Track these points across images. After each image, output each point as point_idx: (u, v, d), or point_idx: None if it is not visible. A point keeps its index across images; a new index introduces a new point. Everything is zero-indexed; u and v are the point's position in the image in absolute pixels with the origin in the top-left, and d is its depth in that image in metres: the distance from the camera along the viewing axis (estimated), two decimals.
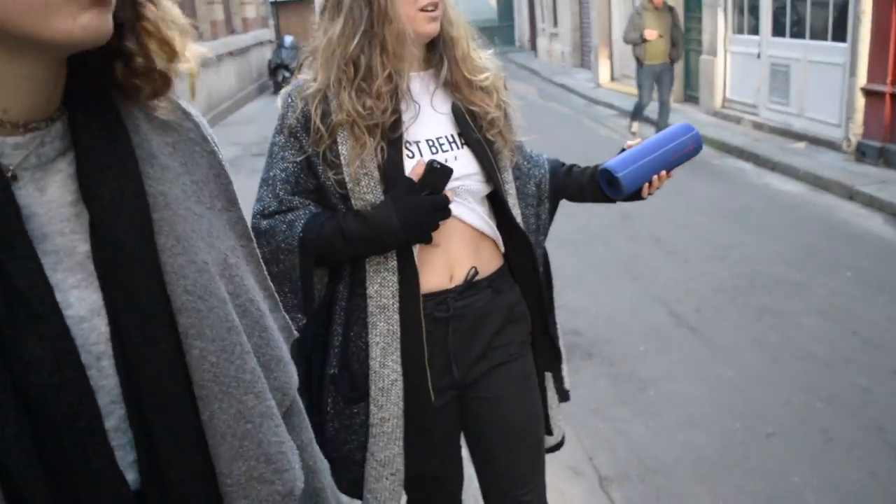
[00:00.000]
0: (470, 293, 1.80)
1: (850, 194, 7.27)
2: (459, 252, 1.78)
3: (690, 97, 12.93)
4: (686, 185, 8.01)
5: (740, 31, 11.23)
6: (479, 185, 1.79)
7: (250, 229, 1.06)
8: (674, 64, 9.88)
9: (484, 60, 1.84)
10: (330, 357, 1.78)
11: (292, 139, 1.73)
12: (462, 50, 1.78)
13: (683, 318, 4.74)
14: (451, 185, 1.71)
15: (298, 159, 1.72)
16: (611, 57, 16.70)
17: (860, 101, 8.27)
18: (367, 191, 1.68)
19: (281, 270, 1.73)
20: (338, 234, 1.68)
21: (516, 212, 1.86)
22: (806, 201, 7.35)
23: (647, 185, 1.87)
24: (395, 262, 1.71)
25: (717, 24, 11.51)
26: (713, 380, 4.03)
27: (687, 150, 1.90)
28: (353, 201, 1.70)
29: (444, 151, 1.75)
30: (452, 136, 1.78)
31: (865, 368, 4.05)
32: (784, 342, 4.39)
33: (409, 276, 1.71)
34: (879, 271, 5.41)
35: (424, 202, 1.64)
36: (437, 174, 1.65)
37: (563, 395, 2.09)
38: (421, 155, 1.71)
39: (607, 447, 3.50)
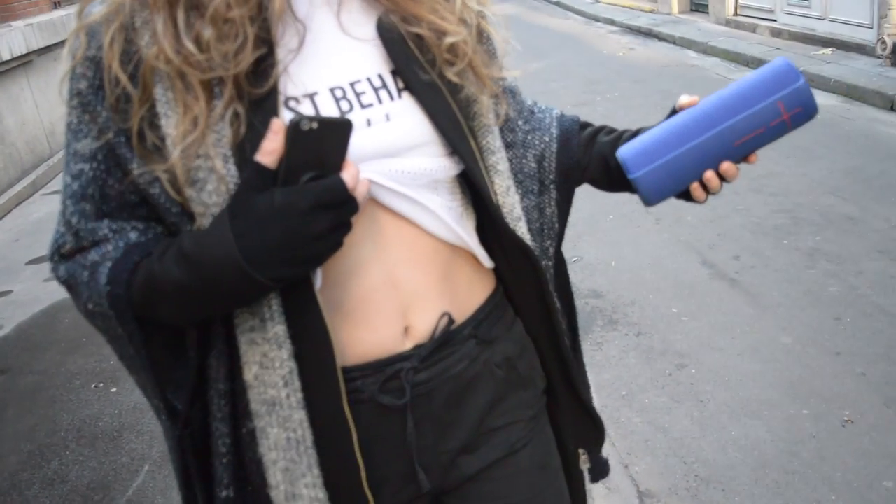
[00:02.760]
0: (440, 355, 1.04)
1: (892, 104, 6.45)
2: (417, 283, 1.02)
3: (698, 6, 11.92)
4: None
5: None
6: (436, 164, 1.01)
7: None
8: None
9: None
10: (216, 470, 1.02)
11: (85, 115, 0.94)
12: None
13: (720, 268, 4.00)
14: (381, 165, 0.95)
15: (97, 151, 0.94)
16: None
17: None
18: (214, 199, 0.90)
19: (112, 338, 0.99)
20: (152, 285, 0.92)
21: (509, 202, 1.09)
22: (841, 115, 6.52)
23: (697, 184, 1.09)
24: (282, 325, 0.93)
25: None
26: (766, 349, 3.31)
27: (775, 121, 1.05)
28: (198, 220, 0.92)
29: (364, 107, 0.96)
30: (380, 77, 0.99)
31: None
32: (846, 294, 3.66)
33: (313, 343, 0.95)
34: None
35: (295, 199, 0.85)
36: (313, 139, 0.85)
37: (599, 470, 1.32)
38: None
39: (645, 449, 2.80)
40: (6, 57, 6.48)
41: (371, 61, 0.99)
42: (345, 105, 0.95)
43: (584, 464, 1.24)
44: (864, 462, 2.61)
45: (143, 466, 2.92)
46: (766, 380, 3.10)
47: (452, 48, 1.01)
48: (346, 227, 0.89)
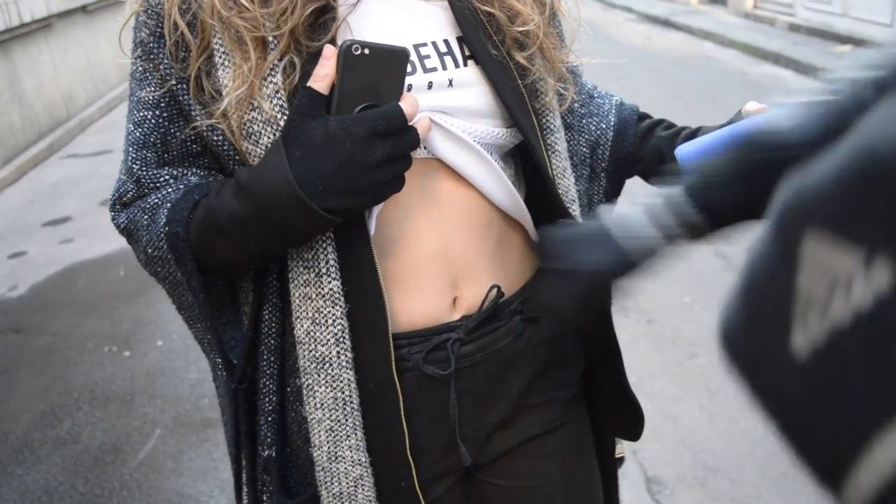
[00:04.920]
0: (486, 329, 1.04)
1: None
2: (470, 255, 1.01)
3: None
4: (718, 96, 7.21)
5: None
6: (494, 132, 0.99)
7: None
8: None
9: None
10: (261, 429, 1.03)
11: (148, 63, 0.94)
12: None
13: (733, 259, 4.01)
14: (439, 117, 0.94)
15: (160, 99, 0.95)
16: None
17: None
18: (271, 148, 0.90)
19: (171, 287, 1.01)
20: (210, 221, 0.91)
21: (565, 183, 1.08)
22: None
23: None
24: (337, 282, 0.92)
25: None
26: None
27: None
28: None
29: (427, 70, 0.94)
30: (446, 42, 0.97)
31: None
32: None
33: (367, 303, 0.94)
34: None
35: (350, 126, 0.84)
36: (366, 66, 0.84)
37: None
38: None
39: (655, 436, 2.82)
40: (27, 19, 6.48)
41: (438, 25, 0.98)
42: (408, 67, 0.93)
43: (620, 453, 1.25)
44: None
45: (154, 431, 2.95)
46: None
47: (524, 34, 1.00)
48: (404, 161, 0.87)
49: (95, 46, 8.27)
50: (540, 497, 1.14)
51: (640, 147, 1.20)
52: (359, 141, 0.83)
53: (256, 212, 0.87)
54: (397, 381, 0.96)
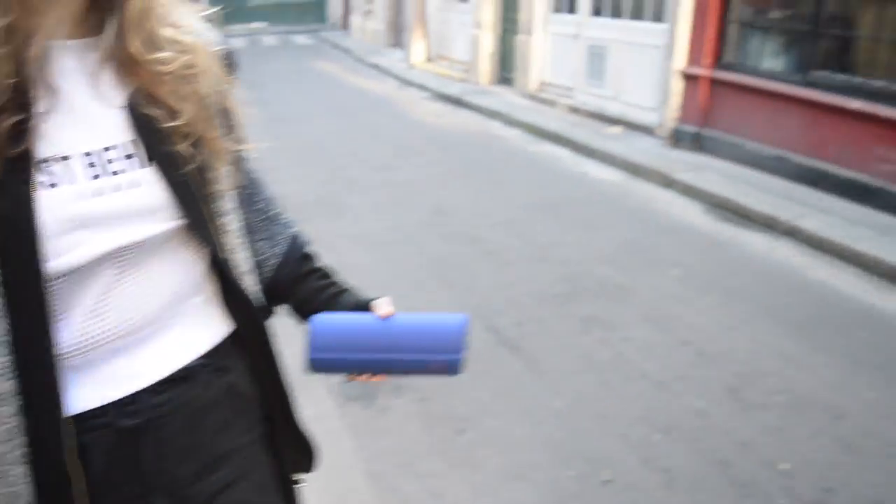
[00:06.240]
0: (175, 381, 1.14)
1: (668, 182, 7.05)
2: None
3: (506, 79, 12.58)
4: (503, 173, 7.60)
5: (559, 9, 10.93)
6: (173, 225, 1.11)
7: None
8: None
9: (185, 26, 1.12)
10: None
11: None
12: (142, 4, 1.04)
13: (504, 333, 4.19)
14: (122, 231, 1.05)
15: None
16: (426, 36, 16.13)
17: (677, 84, 8.12)
18: None
19: None
20: None
21: (236, 258, 1.21)
22: (624, 191, 7.06)
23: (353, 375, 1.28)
24: (11, 382, 0.98)
25: (535, 1, 11.17)
26: (538, 413, 3.49)
27: (429, 367, 1.24)
28: None
29: (112, 173, 1.04)
30: (132, 144, 1.08)
31: (700, 386, 3.67)
32: (614, 359, 3.93)
33: (42, 398, 1.00)
34: (703, 268, 5.12)
35: None
36: None
37: None
38: (71, 181, 0.99)
39: None
40: None
41: (124, 130, 1.07)
42: (96, 171, 1.03)
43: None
44: None
45: None
46: (534, 443, 3.26)
47: (184, 126, 1.10)
48: None
49: None
50: None
51: (292, 287, 1.33)
52: None
53: None
54: (70, 470, 1.02)
